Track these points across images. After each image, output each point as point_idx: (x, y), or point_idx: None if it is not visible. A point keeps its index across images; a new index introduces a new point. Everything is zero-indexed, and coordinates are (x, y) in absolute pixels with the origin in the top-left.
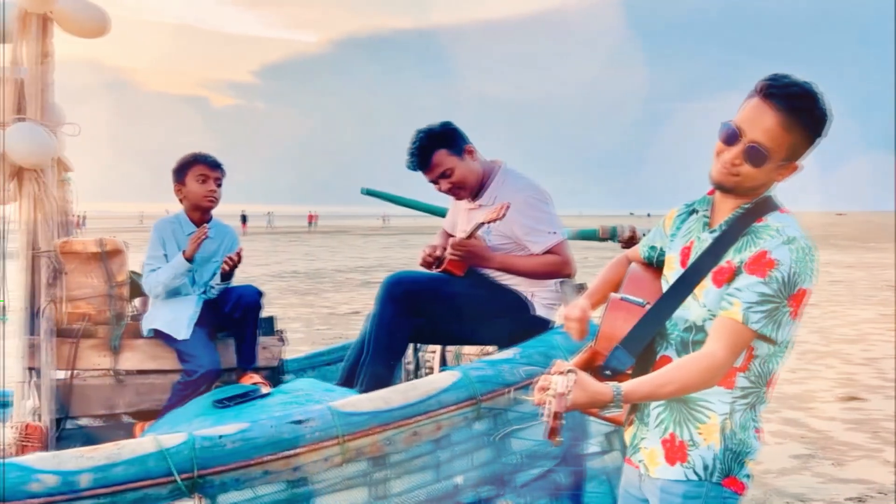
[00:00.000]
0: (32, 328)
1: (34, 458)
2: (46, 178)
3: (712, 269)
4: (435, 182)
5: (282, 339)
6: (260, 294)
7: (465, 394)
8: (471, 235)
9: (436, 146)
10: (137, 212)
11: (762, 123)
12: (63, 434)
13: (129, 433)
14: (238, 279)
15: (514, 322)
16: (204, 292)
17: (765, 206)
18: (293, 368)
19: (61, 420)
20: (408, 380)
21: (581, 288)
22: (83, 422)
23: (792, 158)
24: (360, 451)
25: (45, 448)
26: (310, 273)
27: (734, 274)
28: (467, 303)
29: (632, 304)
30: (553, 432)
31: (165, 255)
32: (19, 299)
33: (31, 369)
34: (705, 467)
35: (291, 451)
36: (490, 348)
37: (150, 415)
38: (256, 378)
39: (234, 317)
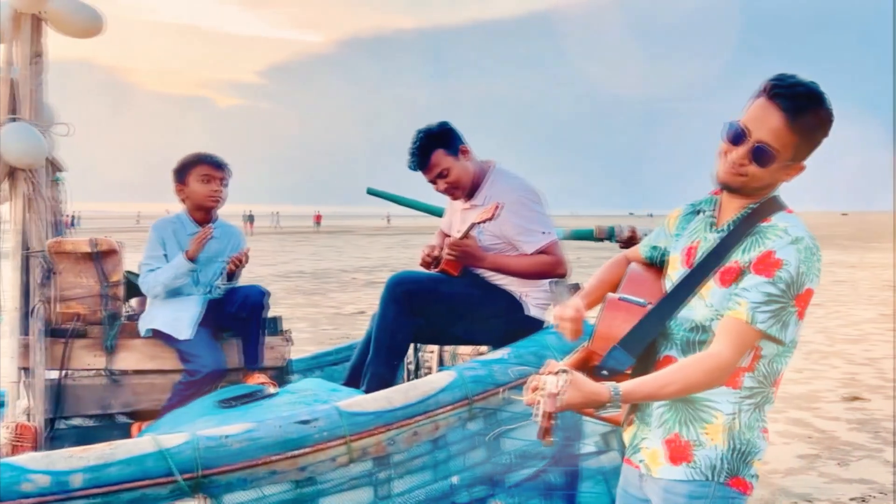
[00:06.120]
0: (26, 328)
1: (26, 458)
2: (39, 178)
3: (718, 269)
4: (433, 182)
5: (288, 339)
6: (265, 294)
7: (459, 394)
8: (465, 236)
9: (434, 146)
10: (135, 212)
11: (768, 123)
12: (57, 434)
13: (125, 433)
14: (245, 279)
15: (507, 322)
16: (209, 292)
17: (771, 207)
18: (299, 368)
19: (54, 420)
20: (409, 380)
21: (574, 288)
22: (78, 422)
23: (797, 158)
24: (366, 450)
25: (37, 448)
26: (316, 273)
27: (740, 274)
28: (462, 303)
29: (631, 304)
30: (545, 432)
31: (165, 256)
32: (12, 299)
33: (24, 369)
34: (712, 467)
35: (298, 451)
36: (484, 348)
37: (147, 415)
38: (263, 378)
39: (240, 317)
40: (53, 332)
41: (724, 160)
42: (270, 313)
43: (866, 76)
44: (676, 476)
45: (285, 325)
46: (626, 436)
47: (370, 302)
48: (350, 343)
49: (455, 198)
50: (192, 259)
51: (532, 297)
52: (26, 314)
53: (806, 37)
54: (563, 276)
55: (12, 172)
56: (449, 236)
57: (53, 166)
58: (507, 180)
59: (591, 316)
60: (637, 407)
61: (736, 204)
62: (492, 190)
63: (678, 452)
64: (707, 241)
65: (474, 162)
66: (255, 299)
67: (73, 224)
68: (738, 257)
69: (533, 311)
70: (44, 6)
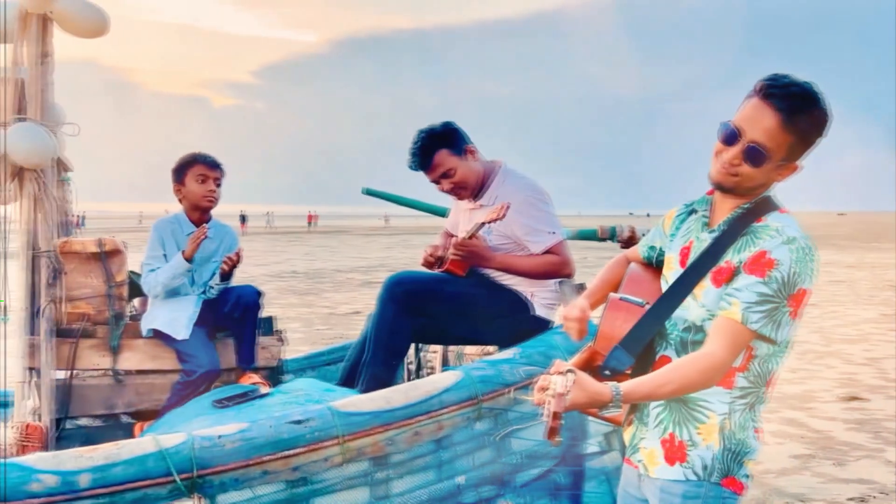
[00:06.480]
0: (33, 328)
1: (34, 458)
2: (46, 178)
3: (711, 269)
4: (436, 182)
5: (281, 339)
6: (259, 294)
7: (466, 394)
8: (472, 235)
9: (437, 146)
10: (137, 212)
11: (761, 123)
12: (63, 434)
13: (129, 433)
14: (238, 279)
15: (514, 322)
16: (203, 292)
17: (764, 207)
18: (293, 368)
19: (61, 420)
20: (410, 380)
21: (581, 288)
22: (83, 422)
23: (791, 158)
24: (361, 451)
25: (46, 448)
26: (309, 273)
27: (733, 274)
28: (468, 303)
29: (631, 304)
30: (552, 432)
31: (165, 255)
32: (20, 299)
33: (31, 369)
34: (704, 467)
35: (291, 451)
36: (491, 348)
37: (149, 415)
38: (256, 378)
39: (234, 317)
40: (60, 332)
41: (718, 160)
42: (264, 313)
43: (866, 76)
44: (672, 476)
45: (279, 325)
46: (626, 436)
47: (366, 302)
48: (344, 343)
49: (461, 198)
50: (188, 259)
51: (539, 296)
52: (33, 314)
53: (806, 37)
54: (569, 276)
55: (20, 172)
56: (454, 236)
57: (61, 166)
58: (516, 180)
59: (596, 316)
60: (636, 407)
61: (729, 204)
62: (500, 189)
63: (673, 452)
64: (700, 241)
65: (481, 162)
66: (249, 299)
67: (81, 224)
68: (730, 257)
69: (540, 310)
70: (52, 6)
